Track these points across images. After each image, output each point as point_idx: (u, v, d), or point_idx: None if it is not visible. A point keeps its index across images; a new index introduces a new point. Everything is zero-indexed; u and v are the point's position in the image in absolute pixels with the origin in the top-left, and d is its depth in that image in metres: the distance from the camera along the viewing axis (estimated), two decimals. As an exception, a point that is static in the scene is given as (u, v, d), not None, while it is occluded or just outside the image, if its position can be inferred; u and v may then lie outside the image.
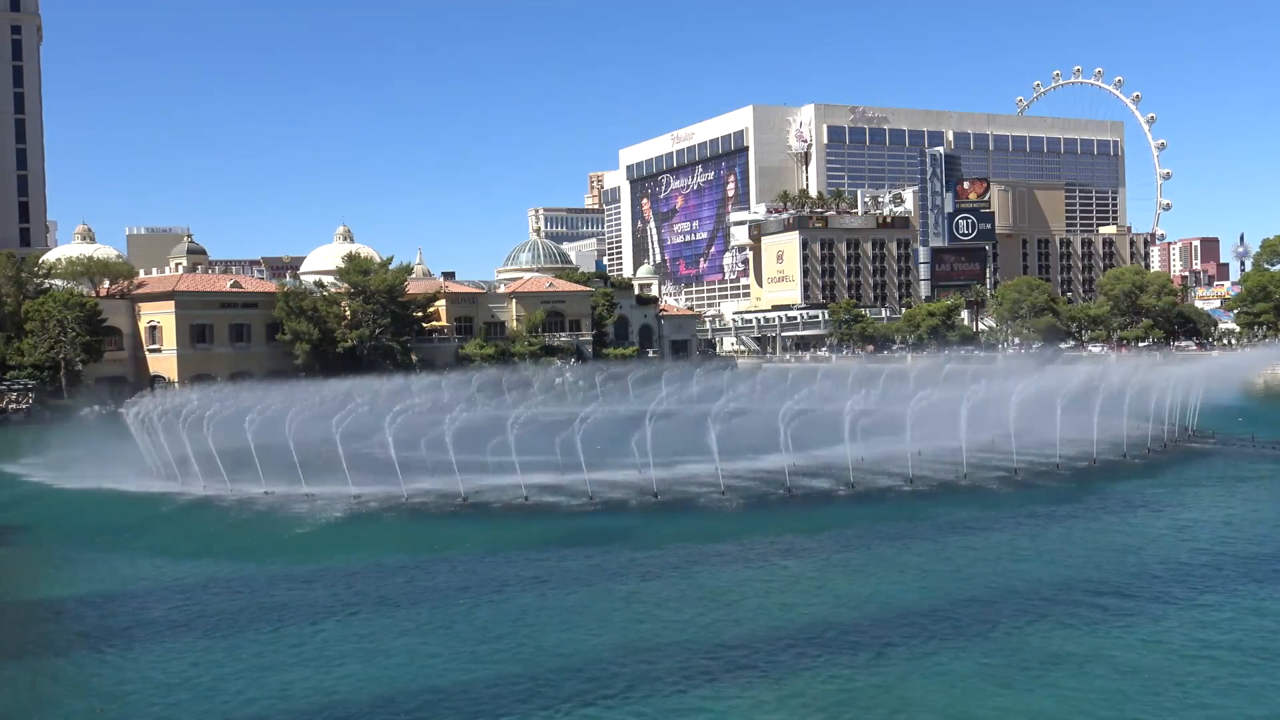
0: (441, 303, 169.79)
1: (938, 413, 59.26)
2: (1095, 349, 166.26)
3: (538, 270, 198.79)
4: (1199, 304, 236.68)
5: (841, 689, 26.63)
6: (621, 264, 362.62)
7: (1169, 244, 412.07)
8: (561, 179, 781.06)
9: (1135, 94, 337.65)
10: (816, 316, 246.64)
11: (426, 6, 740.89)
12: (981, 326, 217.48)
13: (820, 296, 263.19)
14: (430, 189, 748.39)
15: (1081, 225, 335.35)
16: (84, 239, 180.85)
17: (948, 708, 25.29)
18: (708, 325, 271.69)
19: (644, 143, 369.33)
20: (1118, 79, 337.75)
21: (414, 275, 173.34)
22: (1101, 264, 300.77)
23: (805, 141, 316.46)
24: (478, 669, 29.10)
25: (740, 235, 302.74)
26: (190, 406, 65.72)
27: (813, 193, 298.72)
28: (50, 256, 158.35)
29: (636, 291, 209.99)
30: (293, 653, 30.75)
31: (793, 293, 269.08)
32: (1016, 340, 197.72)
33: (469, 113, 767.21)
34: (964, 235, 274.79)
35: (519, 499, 52.13)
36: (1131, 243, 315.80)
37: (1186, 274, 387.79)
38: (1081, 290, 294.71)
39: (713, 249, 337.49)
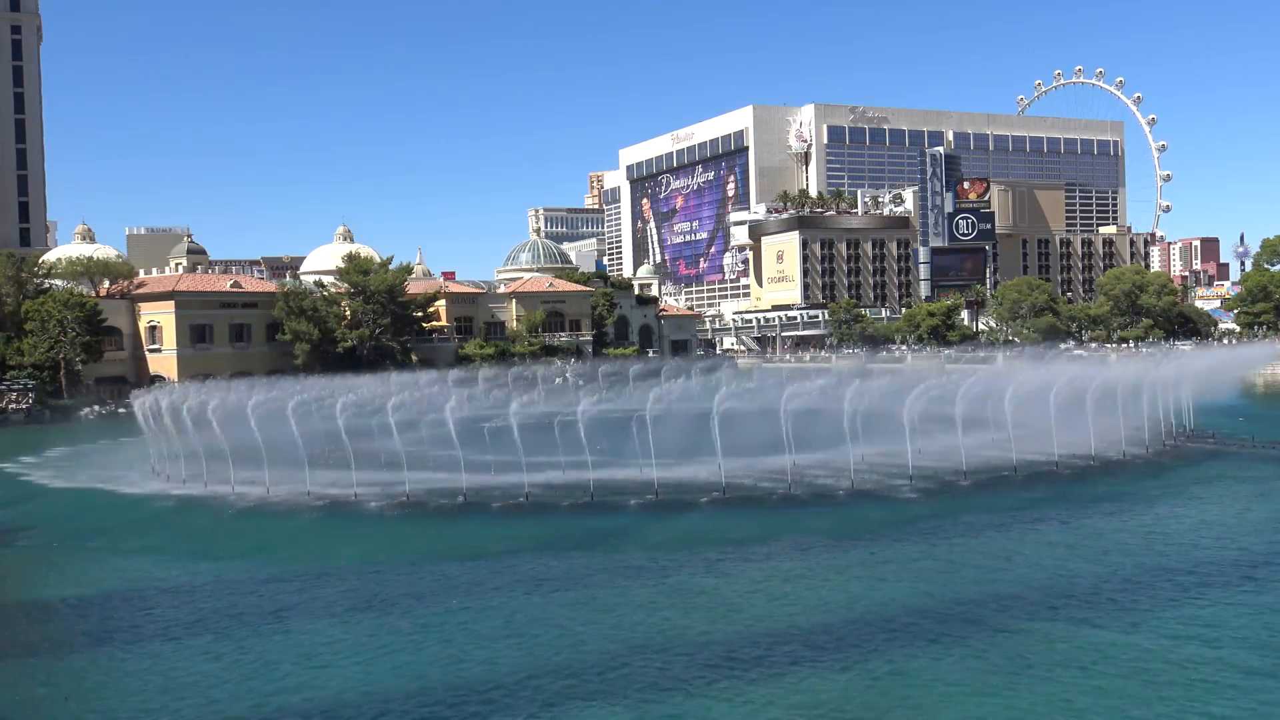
0: (441, 303, 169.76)
1: None
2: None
3: (538, 270, 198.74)
4: (1199, 304, 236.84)
5: (835, 689, 26.63)
6: (621, 264, 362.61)
7: (1169, 244, 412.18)
8: (561, 179, 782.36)
9: (1136, 95, 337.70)
10: (816, 316, 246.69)
11: (427, 6, 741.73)
12: (981, 326, 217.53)
13: (820, 296, 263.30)
14: (430, 189, 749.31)
15: (1081, 225, 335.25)
16: (84, 239, 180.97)
17: (945, 708, 25.29)
18: (708, 325, 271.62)
19: (644, 143, 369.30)
20: (1119, 79, 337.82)
21: (414, 275, 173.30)
22: (1101, 264, 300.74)
23: (805, 141, 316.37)
24: (476, 669, 29.10)
25: (740, 235, 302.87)
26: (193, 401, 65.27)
27: (813, 193, 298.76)
28: (50, 256, 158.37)
29: (636, 291, 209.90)
30: (292, 653, 30.74)
31: (793, 293, 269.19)
32: (1016, 340, 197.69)
33: (469, 113, 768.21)
34: (964, 235, 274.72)
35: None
36: (1131, 243, 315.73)
37: (1186, 274, 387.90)
38: (1081, 290, 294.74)
39: (713, 249, 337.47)
